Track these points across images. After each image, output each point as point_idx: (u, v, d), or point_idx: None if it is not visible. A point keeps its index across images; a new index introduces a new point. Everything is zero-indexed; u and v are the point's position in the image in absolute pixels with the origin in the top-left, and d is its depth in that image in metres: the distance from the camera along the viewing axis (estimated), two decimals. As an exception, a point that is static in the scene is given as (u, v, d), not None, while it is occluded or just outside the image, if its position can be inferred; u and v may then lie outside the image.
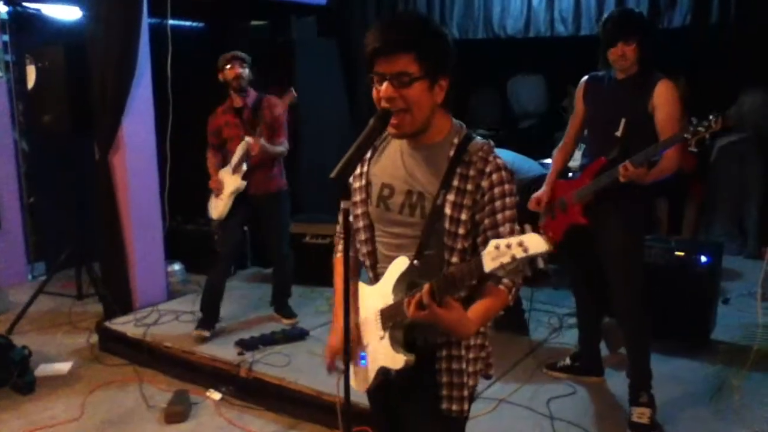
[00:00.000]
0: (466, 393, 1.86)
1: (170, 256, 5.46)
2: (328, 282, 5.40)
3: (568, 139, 3.63)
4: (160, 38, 4.96)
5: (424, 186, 1.79)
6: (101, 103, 4.76)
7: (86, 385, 4.14)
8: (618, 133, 3.23)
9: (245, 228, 5.49)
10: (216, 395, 3.96)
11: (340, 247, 2.12)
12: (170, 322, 4.74)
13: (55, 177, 5.80)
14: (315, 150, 6.09)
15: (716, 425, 3.29)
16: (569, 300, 4.75)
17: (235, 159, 4.42)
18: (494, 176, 1.74)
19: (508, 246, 1.47)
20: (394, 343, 1.80)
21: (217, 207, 4.50)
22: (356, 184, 1.94)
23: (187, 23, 6.44)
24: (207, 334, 4.38)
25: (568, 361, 3.86)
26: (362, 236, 1.95)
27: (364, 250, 1.95)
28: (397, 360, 1.79)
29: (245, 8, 6.12)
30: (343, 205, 1.67)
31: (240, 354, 4.17)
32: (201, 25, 6.71)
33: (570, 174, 3.93)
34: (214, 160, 4.58)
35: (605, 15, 3.38)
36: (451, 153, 1.77)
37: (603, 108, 3.35)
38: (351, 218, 1.97)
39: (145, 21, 4.83)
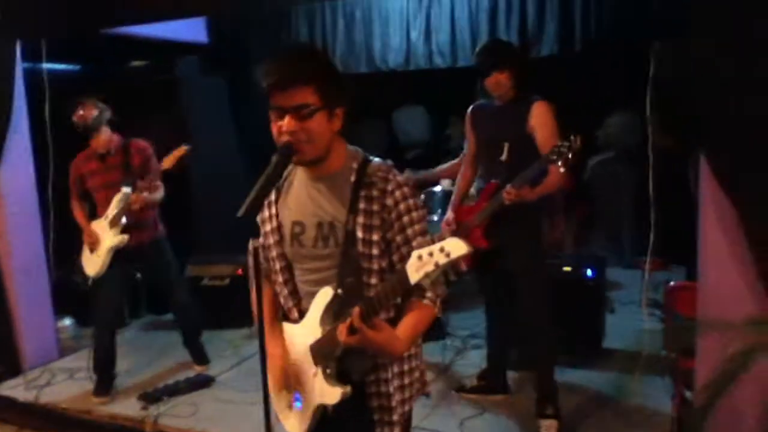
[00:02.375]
0: (396, 417, 1.89)
1: (60, 311, 5.15)
2: (229, 324, 5.33)
3: (466, 165, 3.81)
4: (35, 83, 4.74)
5: (333, 215, 1.82)
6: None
7: (-26, 458, 3.85)
8: (503, 157, 3.42)
9: (137, 276, 5.29)
10: (122, 453, 3.79)
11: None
12: (64, 381, 4.49)
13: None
14: (206, 189, 5.98)
15: (621, 429, 3.49)
16: (469, 322, 4.94)
17: (112, 211, 4.15)
18: (397, 193, 1.79)
19: (431, 254, 1.51)
20: (328, 377, 1.81)
21: (94, 264, 4.20)
22: (267, 227, 1.94)
23: (62, 66, 6.19)
24: (107, 399, 4.17)
25: (474, 381, 3.98)
26: (281, 278, 1.95)
27: (285, 291, 1.96)
28: (333, 394, 1.80)
29: (123, 49, 5.96)
30: (252, 244, 1.67)
31: (143, 408, 4.02)
32: (77, 67, 6.47)
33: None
34: (81, 211, 4.31)
35: (478, 46, 3.59)
36: (353, 178, 1.81)
37: (487, 134, 3.55)
38: (266, 260, 1.99)
39: (19, 65, 4.62)
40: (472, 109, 3.67)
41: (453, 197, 3.86)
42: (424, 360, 2.04)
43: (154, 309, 5.83)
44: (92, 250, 4.23)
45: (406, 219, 1.79)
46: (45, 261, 4.87)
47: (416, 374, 1.97)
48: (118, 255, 4.19)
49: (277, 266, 1.95)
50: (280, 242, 1.93)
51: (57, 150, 4.75)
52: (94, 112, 4.17)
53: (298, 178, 1.91)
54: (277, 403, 2.01)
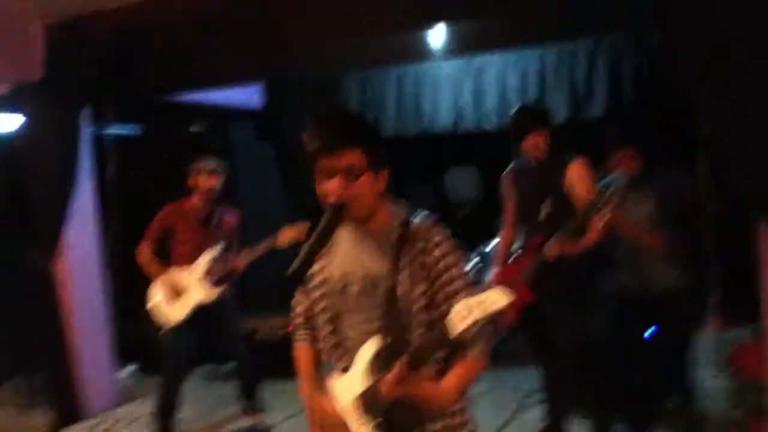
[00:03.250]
0: None
1: (123, 358, 5.26)
2: (285, 375, 5.32)
3: (507, 225, 3.89)
4: (101, 144, 4.98)
5: (377, 269, 1.84)
6: (42, 210, 4.70)
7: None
8: (543, 215, 3.50)
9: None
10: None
11: (301, 332, 2.11)
12: (125, 428, 4.56)
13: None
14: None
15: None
16: (529, 377, 4.81)
17: (204, 267, 4.29)
18: (439, 249, 1.81)
19: (470, 309, 1.53)
20: (375, 429, 1.80)
21: (178, 311, 4.26)
22: (315, 281, 1.97)
23: (126, 130, 6.47)
24: None
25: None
26: (326, 330, 1.96)
27: (329, 343, 1.96)
28: None
29: (184, 113, 6.23)
30: (305, 298, 1.71)
31: (201, 457, 4.03)
32: (139, 130, 6.75)
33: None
34: (154, 257, 4.34)
35: (513, 111, 3.72)
36: (396, 234, 1.84)
37: (527, 193, 3.66)
38: (310, 316, 2.03)
39: (86, 128, 4.87)
40: (510, 170, 3.81)
41: (496, 260, 3.91)
42: (484, 415, 2.01)
43: (212, 359, 5.85)
44: (174, 299, 4.28)
45: (447, 275, 1.81)
46: (106, 312, 4.99)
47: (470, 427, 1.93)
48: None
49: (321, 320, 1.97)
50: (326, 295, 1.96)
51: (120, 207, 4.94)
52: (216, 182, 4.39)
53: (344, 233, 1.94)
54: None
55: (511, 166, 3.80)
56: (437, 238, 1.83)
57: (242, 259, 4.32)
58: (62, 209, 4.69)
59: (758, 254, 3.25)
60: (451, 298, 1.77)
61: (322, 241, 1.75)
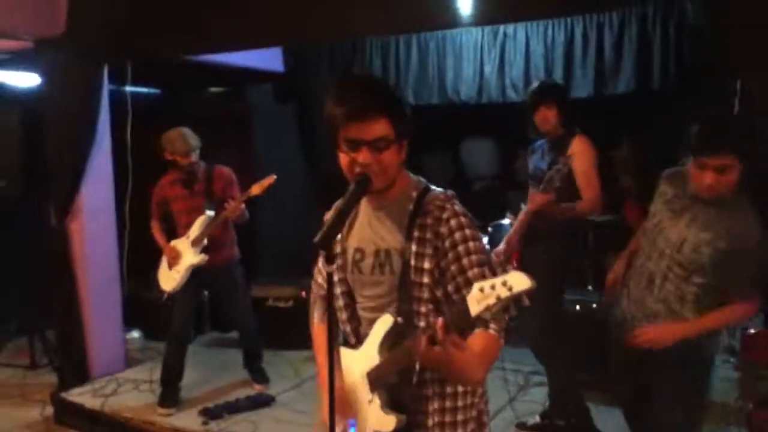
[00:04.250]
0: None
1: (128, 323, 5.29)
2: (291, 345, 5.36)
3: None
4: (119, 104, 4.94)
5: (390, 243, 1.81)
6: (59, 168, 4.70)
7: (41, 461, 3.95)
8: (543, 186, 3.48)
9: (205, 293, 5.38)
10: (180, 467, 3.83)
11: (317, 315, 2.10)
12: (129, 391, 4.60)
13: (6, 243, 5.62)
14: (273, 215, 6.10)
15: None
16: (532, 358, 4.80)
17: (195, 232, 4.34)
18: (452, 222, 1.75)
19: (493, 287, 1.45)
20: (384, 404, 1.79)
21: (172, 279, 4.38)
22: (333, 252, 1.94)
23: (145, 90, 6.44)
24: (172, 411, 4.25)
25: (537, 418, 3.89)
26: (341, 302, 1.94)
27: (343, 316, 1.94)
28: (387, 422, 1.77)
29: (203, 76, 6.18)
30: (326, 269, 1.66)
31: (204, 423, 4.07)
32: (158, 91, 6.72)
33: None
34: (160, 231, 4.52)
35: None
36: (411, 206, 1.80)
37: (534, 166, 3.73)
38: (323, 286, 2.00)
39: (105, 88, 4.83)
40: (531, 147, 3.86)
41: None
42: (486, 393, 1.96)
43: (217, 326, 5.95)
44: (172, 266, 4.39)
45: (461, 248, 1.74)
46: (118, 274, 5.02)
47: (473, 413, 1.88)
48: (192, 273, 4.34)
49: (338, 291, 1.94)
50: (342, 267, 1.93)
51: (135, 169, 4.92)
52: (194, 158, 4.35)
53: (361, 206, 1.91)
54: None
55: (532, 144, 3.87)
56: (453, 209, 1.78)
57: (220, 222, 4.29)
58: (79, 168, 4.70)
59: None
60: (465, 272, 1.72)
61: (347, 212, 1.70)
